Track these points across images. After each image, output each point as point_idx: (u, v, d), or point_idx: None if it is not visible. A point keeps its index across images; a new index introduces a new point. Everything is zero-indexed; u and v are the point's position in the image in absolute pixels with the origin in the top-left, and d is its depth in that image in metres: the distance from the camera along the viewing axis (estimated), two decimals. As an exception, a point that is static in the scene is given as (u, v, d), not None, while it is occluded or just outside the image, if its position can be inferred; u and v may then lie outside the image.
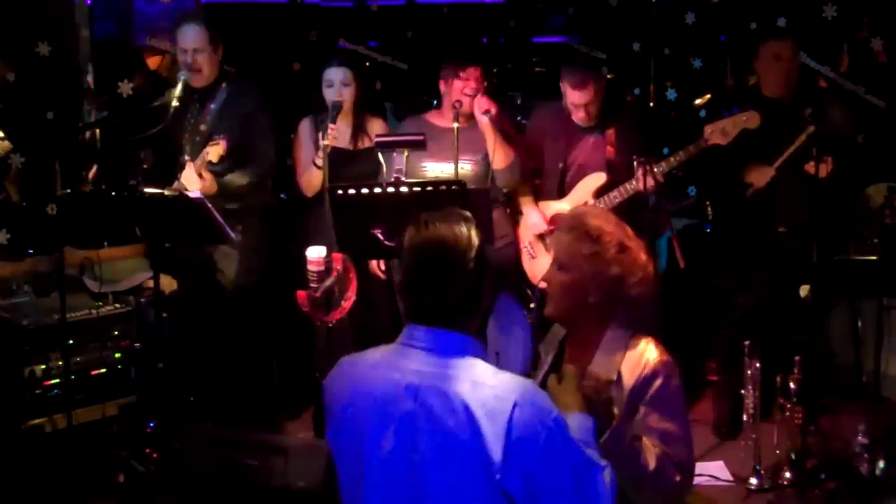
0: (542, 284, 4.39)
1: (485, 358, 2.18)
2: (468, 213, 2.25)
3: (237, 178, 4.41)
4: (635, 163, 4.19)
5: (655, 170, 4.17)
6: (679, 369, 2.58)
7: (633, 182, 4.20)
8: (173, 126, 4.55)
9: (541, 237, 4.58)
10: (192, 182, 4.20)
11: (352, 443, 2.18)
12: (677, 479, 2.49)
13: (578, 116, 4.45)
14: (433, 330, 2.15)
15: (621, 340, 2.58)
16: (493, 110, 4.31)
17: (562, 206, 4.50)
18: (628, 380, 2.53)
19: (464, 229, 2.18)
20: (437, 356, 2.13)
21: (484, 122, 4.29)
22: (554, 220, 4.51)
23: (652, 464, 2.44)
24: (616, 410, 2.41)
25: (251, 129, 4.42)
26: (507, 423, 2.01)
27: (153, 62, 5.66)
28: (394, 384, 2.12)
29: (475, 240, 2.18)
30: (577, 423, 2.22)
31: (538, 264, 4.56)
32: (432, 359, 2.12)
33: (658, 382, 2.51)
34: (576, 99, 4.37)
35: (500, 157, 4.39)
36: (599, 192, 4.41)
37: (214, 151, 4.16)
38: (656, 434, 2.49)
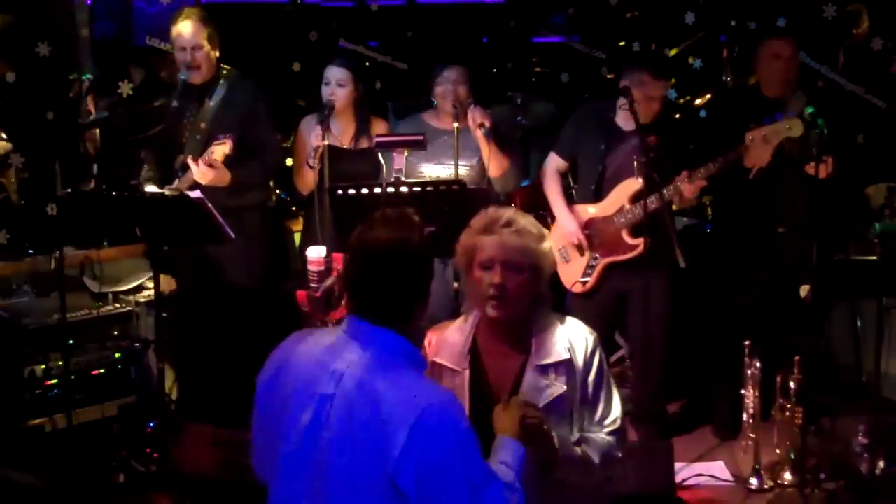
0: (577, 288, 4.40)
1: (419, 362, 2.30)
2: (418, 221, 2.33)
3: (251, 170, 4.39)
4: (636, 163, 4.18)
5: (697, 175, 4.16)
6: None
7: (671, 188, 4.16)
8: (172, 125, 4.55)
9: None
10: (204, 175, 4.19)
11: (275, 405, 2.37)
12: (619, 454, 2.64)
13: (644, 111, 4.27)
14: (368, 325, 2.26)
15: (549, 320, 2.67)
16: (488, 123, 4.28)
17: (594, 210, 4.46)
18: (577, 359, 2.63)
19: (406, 236, 2.27)
20: (367, 349, 2.24)
21: (479, 135, 4.27)
22: (588, 225, 4.47)
23: (597, 457, 2.57)
24: (556, 439, 2.47)
25: (254, 125, 4.41)
26: (410, 427, 2.10)
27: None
28: (324, 366, 2.26)
29: (415, 249, 2.27)
30: (508, 445, 2.33)
31: (570, 268, 4.50)
32: (362, 351, 2.25)
33: (598, 357, 2.65)
34: (655, 90, 4.26)
35: (494, 167, 4.37)
36: (636, 198, 4.32)
37: (220, 151, 4.13)
38: (601, 407, 2.63)
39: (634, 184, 4.33)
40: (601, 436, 2.61)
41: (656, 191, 4.13)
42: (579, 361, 2.62)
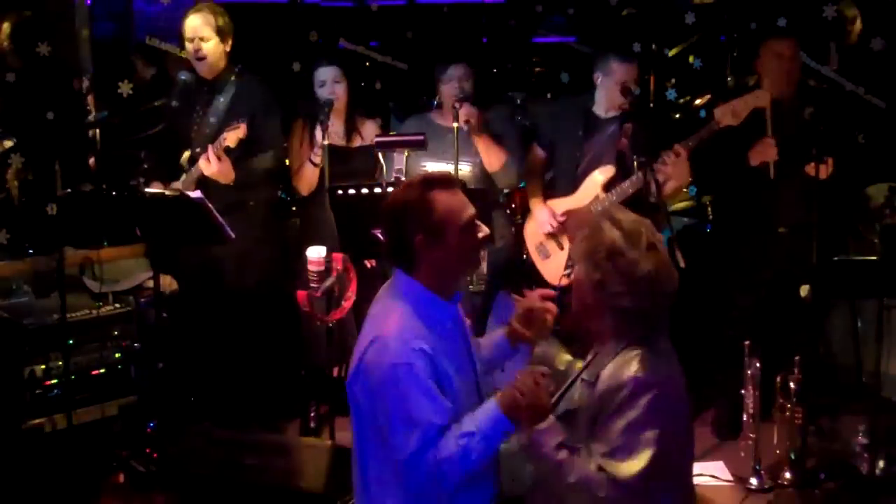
0: (564, 281, 4.40)
1: (421, 301, 2.59)
2: (435, 177, 2.66)
3: (257, 163, 4.40)
4: (636, 163, 4.19)
5: (678, 147, 4.19)
6: (659, 390, 2.46)
7: (643, 172, 4.19)
8: (177, 123, 4.56)
9: (552, 236, 4.56)
10: (210, 166, 4.20)
11: None
12: (601, 494, 2.42)
13: (618, 98, 4.37)
14: (394, 268, 2.69)
15: (613, 349, 2.56)
16: (473, 119, 4.31)
17: (571, 202, 4.50)
18: (601, 387, 2.51)
19: (404, 192, 2.62)
20: (389, 287, 2.70)
21: (465, 130, 4.29)
22: (565, 217, 4.50)
23: (572, 477, 2.44)
24: (551, 418, 2.50)
25: (261, 122, 4.42)
26: (363, 350, 2.56)
27: None
28: None
29: (410, 200, 2.58)
30: (487, 405, 2.54)
31: (552, 263, 4.54)
32: (386, 289, 2.71)
33: (622, 395, 2.45)
34: (626, 74, 4.35)
35: (490, 161, 4.40)
36: (609, 185, 4.40)
37: (234, 136, 4.15)
38: (607, 445, 2.45)
39: (605, 173, 4.41)
40: (593, 467, 2.46)
41: (630, 175, 4.24)
42: (599, 391, 2.52)
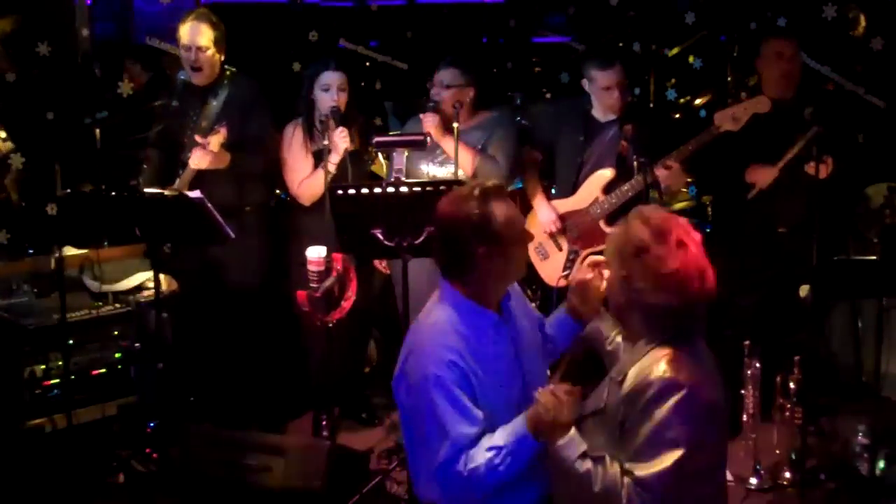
0: (562, 283, 4.39)
1: (462, 310, 2.66)
2: (490, 188, 2.68)
3: (247, 158, 4.39)
4: (636, 164, 4.19)
5: (668, 162, 4.19)
6: (687, 392, 2.40)
7: (642, 175, 4.20)
8: (174, 124, 4.55)
9: (551, 236, 4.56)
10: (202, 158, 4.20)
11: None
12: (627, 500, 2.39)
13: (608, 102, 4.38)
14: (441, 278, 2.75)
15: (645, 347, 2.53)
16: (430, 132, 4.30)
17: (571, 204, 4.50)
18: (628, 387, 2.47)
19: (463, 205, 2.65)
20: (436, 293, 2.78)
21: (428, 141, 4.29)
22: (564, 220, 4.51)
23: (598, 486, 2.42)
24: (572, 431, 2.50)
25: (252, 123, 4.41)
26: (404, 357, 2.70)
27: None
28: None
29: (472, 213, 2.63)
30: (517, 422, 2.58)
31: (551, 264, 4.55)
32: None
33: (648, 396, 2.41)
34: (606, 80, 4.34)
35: (462, 166, 4.35)
36: (609, 188, 4.40)
37: (216, 140, 4.16)
38: (633, 448, 2.42)
39: (606, 175, 4.41)
40: (618, 471, 2.43)
41: (630, 178, 4.24)
42: (626, 390, 2.48)
